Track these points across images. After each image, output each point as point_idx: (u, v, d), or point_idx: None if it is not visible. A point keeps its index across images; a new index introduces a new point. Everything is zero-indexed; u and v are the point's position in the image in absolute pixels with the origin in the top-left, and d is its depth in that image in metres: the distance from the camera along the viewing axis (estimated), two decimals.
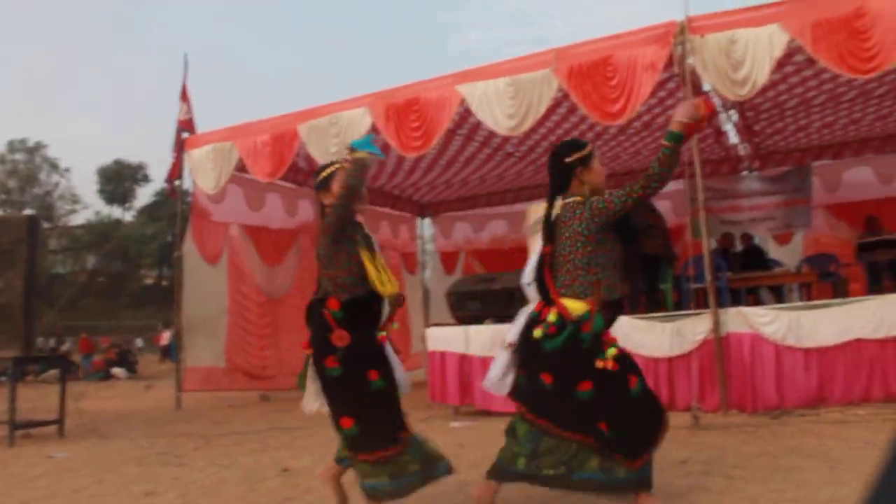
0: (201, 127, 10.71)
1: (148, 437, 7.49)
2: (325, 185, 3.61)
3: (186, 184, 10.82)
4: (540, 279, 3.43)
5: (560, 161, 3.49)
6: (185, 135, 10.57)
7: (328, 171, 3.63)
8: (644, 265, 10.43)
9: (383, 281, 3.49)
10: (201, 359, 10.76)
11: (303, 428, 7.56)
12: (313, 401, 3.56)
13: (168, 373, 19.01)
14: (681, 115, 3.14)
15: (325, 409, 3.55)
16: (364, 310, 3.49)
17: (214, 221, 11.07)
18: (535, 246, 8.96)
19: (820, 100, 9.22)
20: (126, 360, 21.21)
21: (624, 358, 3.30)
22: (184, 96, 10.93)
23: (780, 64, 7.08)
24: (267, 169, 9.36)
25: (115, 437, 7.61)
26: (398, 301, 3.63)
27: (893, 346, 6.35)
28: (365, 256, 3.48)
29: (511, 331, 3.47)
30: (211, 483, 5.00)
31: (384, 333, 3.53)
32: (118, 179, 51.48)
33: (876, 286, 9.71)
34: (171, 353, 26.90)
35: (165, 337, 27.30)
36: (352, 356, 3.39)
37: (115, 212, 53.04)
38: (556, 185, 3.52)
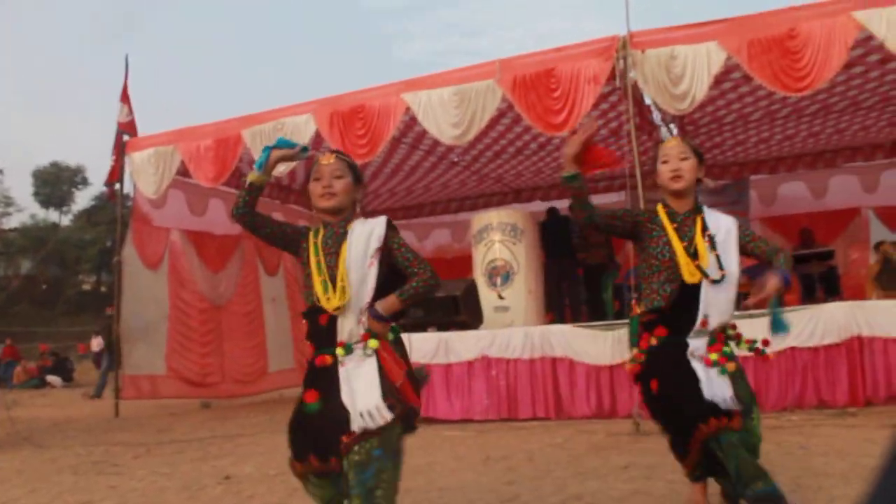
0: (142, 130, 10.56)
1: (84, 446, 7.33)
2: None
3: (127, 188, 10.64)
4: None
5: None
6: (126, 137, 10.39)
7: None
8: (587, 275, 10.62)
9: (329, 294, 2.93)
10: (141, 366, 10.57)
11: (245, 435, 7.49)
12: None
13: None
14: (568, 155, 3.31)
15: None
16: (314, 325, 3.00)
17: (155, 226, 10.90)
18: (479, 254, 9.02)
19: (756, 116, 9.50)
20: (62, 367, 20.65)
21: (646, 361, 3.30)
22: (125, 98, 10.74)
23: (719, 80, 7.28)
24: (210, 174, 9.27)
25: (50, 446, 7.43)
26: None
27: (825, 354, 6.58)
28: (314, 264, 3.01)
29: None
30: (150, 491, 4.93)
31: (335, 353, 2.90)
32: (55, 182, 50.24)
33: (809, 297, 10.01)
34: (100, 359, 26.19)
35: (95, 343, 26.39)
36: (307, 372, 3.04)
37: (52, 215, 51.76)
38: None
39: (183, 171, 9.78)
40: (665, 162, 3.32)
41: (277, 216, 12.16)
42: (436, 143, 9.51)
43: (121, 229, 10.78)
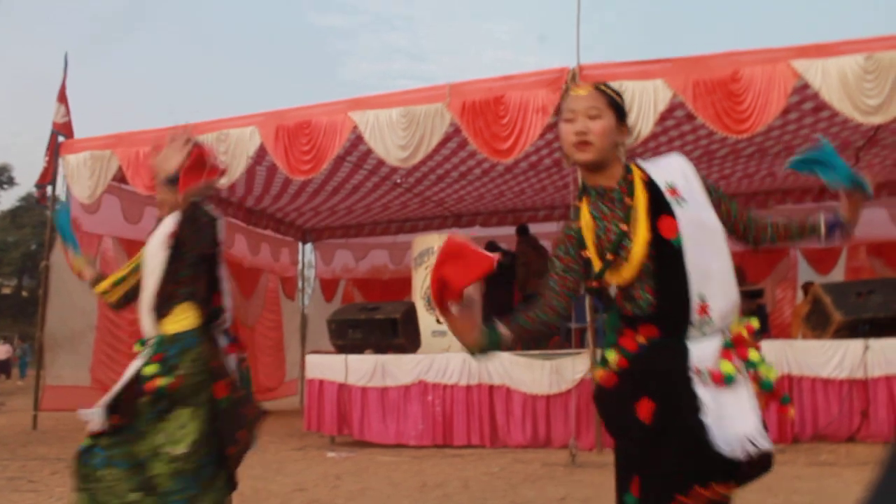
0: (79, 134, 10.24)
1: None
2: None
3: (59, 190, 10.28)
4: None
5: None
6: (62, 139, 10.07)
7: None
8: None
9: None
10: (63, 376, 10.17)
11: None
12: None
13: (23, 390, 17.91)
14: None
15: None
16: None
17: (87, 232, 10.53)
18: (419, 277, 8.99)
19: (696, 154, 9.71)
20: None
21: None
22: (62, 97, 10.41)
23: (662, 117, 7.42)
24: (149, 181, 9.02)
25: None
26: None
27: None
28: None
29: None
30: None
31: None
32: None
33: None
34: (8, 368, 25.10)
35: (3, 351, 25.33)
36: None
37: None
38: None
39: (119, 177, 9.51)
40: (569, 120, 2.30)
41: (153, 210, 12.08)
42: (380, 163, 9.47)
43: (50, 233, 10.41)
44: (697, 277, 2.17)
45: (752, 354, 2.17)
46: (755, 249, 2.44)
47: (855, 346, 6.76)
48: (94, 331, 10.48)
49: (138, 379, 2.81)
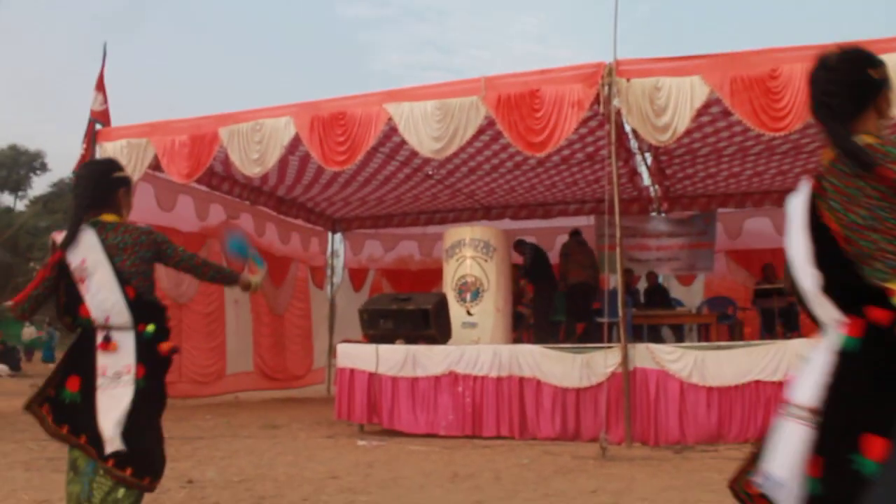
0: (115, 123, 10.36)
1: (37, 441, 7.12)
2: (128, 187, 3.26)
3: None
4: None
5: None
6: (99, 126, 10.20)
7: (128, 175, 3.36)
8: (570, 294, 10.70)
9: None
10: None
11: (204, 438, 7.38)
12: None
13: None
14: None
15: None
16: None
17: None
18: (450, 269, 9.02)
19: (730, 150, 9.67)
20: (10, 356, 20.12)
21: None
22: (100, 86, 10.51)
23: (698, 113, 7.39)
24: (184, 170, 9.14)
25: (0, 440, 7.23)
26: None
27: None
28: None
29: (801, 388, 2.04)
30: None
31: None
32: (12, 166, 49.06)
33: (769, 331, 10.21)
34: (31, 351, 25.14)
35: (27, 333, 25.15)
36: None
37: (6, 199, 50.53)
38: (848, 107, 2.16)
39: (153, 165, 9.63)
40: None
41: (246, 217, 12.24)
42: (412, 154, 9.52)
43: None
44: None
45: None
46: None
47: None
48: None
49: None
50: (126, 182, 3.25)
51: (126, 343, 3.02)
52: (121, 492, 2.94)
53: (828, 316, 2.05)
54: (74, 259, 3.03)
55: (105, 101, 10.45)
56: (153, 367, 3.08)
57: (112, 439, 2.87)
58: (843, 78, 2.19)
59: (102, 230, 3.09)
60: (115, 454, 2.89)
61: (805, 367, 2.09)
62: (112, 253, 3.06)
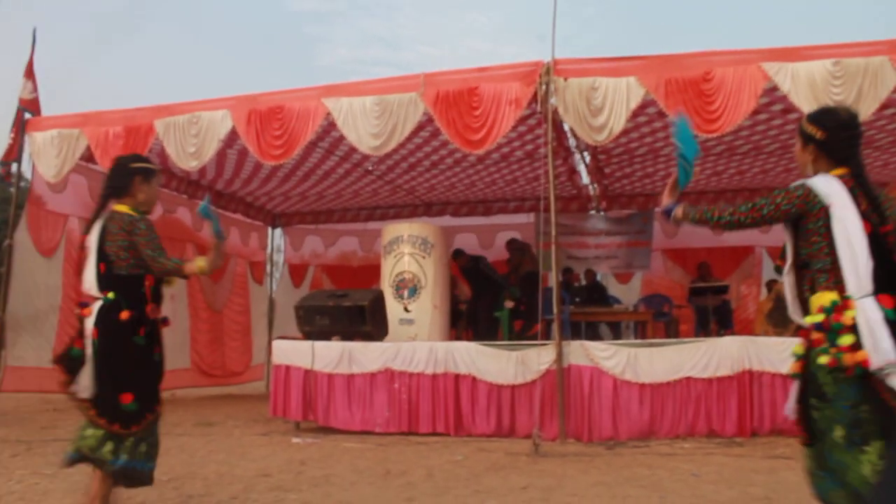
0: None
1: None
2: (146, 176, 3.79)
3: (25, 168, 10.10)
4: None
5: None
6: (28, 115, 9.90)
7: (152, 166, 3.86)
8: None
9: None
10: (24, 357, 10.03)
11: None
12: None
13: None
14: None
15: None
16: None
17: (53, 211, 10.40)
18: (388, 265, 9.03)
19: (666, 151, 9.82)
20: None
21: None
22: (29, 73, 10.19)
23: (634, 113, 7.48)
24: None
25: None
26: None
27: (718, 385, 6.85)
28: None
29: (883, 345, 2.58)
30: (32, 495, 4.69)
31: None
32: None
33: (703, 328, 10.43)
34: None
35: None
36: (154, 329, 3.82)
37: None
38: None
39: (86, 157, 9.38)
40: None
41: (183, 211, 12.03)
42: (351, 149, 9.45)
43: (14, 211, 10.24)
44: None
45: (796, 348, 2.92)
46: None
47: None
48: (58, 311, 10.33)
49: None
50: (141, 171, 3.74)
51: (94, 310, 3.66)
52: (88, 430, 3.62)
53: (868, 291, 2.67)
54: (87, 241, 3.74)
55: (35, 89, 10.13)
56: (108, 329, 3.62)
57: (81, 387, 3.60)
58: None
59: (110, 218, 3.72)
60: (86, 399, 3.60)
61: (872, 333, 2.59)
62: (104, 237, 3.68)
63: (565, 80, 7.33)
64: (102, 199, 3.77)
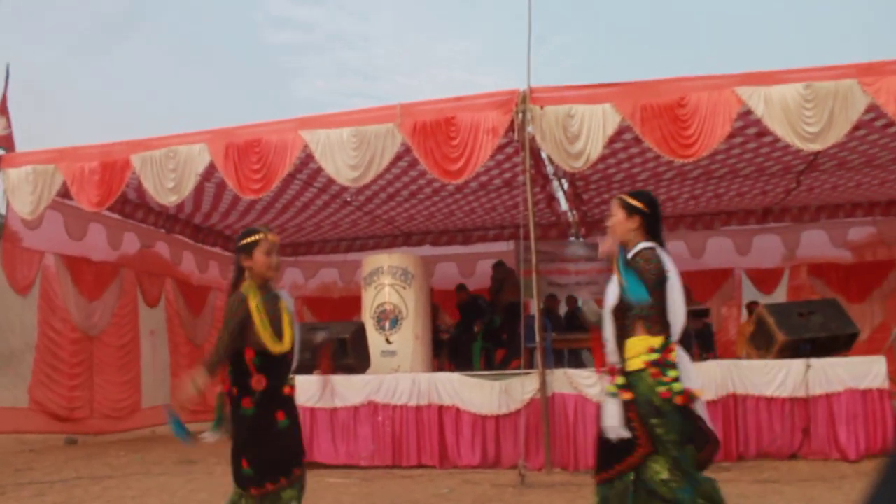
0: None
1: None
2: (247, 251, 3.75)
3: (0, 205, 9.98)
4: None
5: None
6: (1, 151, 9.80)
7: (253, 238, 3.78)
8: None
9: (274, 341, 3.69)
10: (0, 398, 9.87)
11: (114, 477, 7.11)
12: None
13: None
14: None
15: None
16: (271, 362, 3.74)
17: (28, 248, 10.28)
18: (368, 297, 8.98)
19: (643, 176, 9.89)
20: None
21: None
22: (3, 109, 10.13)
23: (611, 140, 7.53)
24: (94, 198, 8.84)
25: None
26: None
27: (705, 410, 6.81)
28: (259, 321, 3.67)
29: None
30: None
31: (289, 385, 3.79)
32: None
33: (686, 352, 10.39)
34: None
35: None
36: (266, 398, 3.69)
37: None
38: None
39: (62, 192, 9.30)
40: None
41: (162, 245, 11.95)
42: (330, 181, 9.44)
43: None
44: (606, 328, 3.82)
45: (619, 380, 3.62)
46: None
47: (797, 365, 6.92)
48: (34, 350, 10.18)
49: None
50: (243, 248, 3.75)
51: None
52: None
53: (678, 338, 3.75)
54: None
55: (9, 125, 10.04)
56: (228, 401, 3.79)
57: None
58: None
59: None
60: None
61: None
62: None
63: (541, 108, 7.37)
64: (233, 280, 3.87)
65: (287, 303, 3.84)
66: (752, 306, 10.71)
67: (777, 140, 7.55)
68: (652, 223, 3.76)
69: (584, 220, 12.39)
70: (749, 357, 8.24)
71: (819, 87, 6.80)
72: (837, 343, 7.47)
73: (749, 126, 7.87)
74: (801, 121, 6.76)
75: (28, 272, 10.31)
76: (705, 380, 6.86)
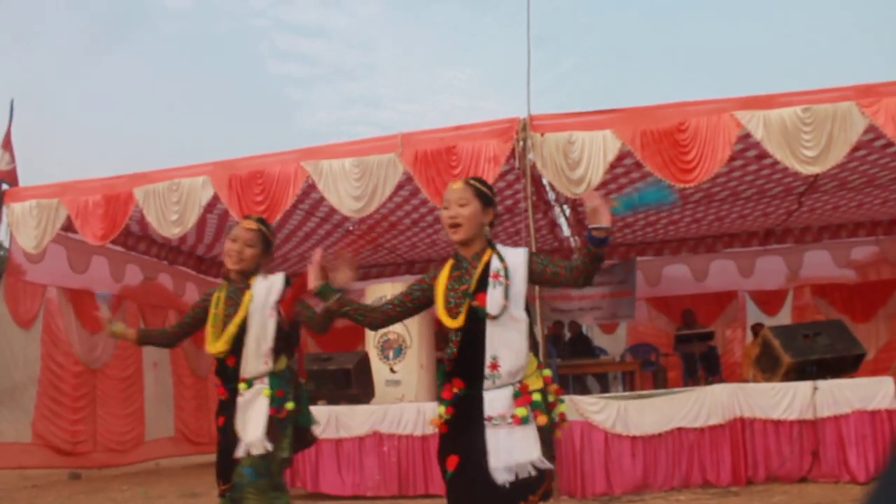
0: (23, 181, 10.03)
1: None
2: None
3: (4, 239, 10.01)
4: None
5: None
6: (5, 186, 9.86)
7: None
8: None
9: (211, 341, 3.71)
10: (3, 432, 9.82)
11: None
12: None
13: None
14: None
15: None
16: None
17: (31, 282, 10.29)
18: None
19: None
20: None
21: None
22: (6, 144, 10.19)
23: (612, 165, 7.56)
24: (99, 232, 8.86)
25: None
26: None
27: (710, 434, 6.80)
28: (210, 317, 3.73)
29: None
30: None
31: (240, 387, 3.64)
32: None
33: (691, 376, 10.39)
34: None
35: None
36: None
37: None
38: None
39: (66, 226, 9.33)
40: (445, 208, 3.12)
41: (164, 277, 11.96)
42: (332, 210, 9.45)
43: None
44: (493, 343, 2.92)
45: (535, 396, 2.90)
46: (579, 285, 3.02)
47: (804, 387, 6.89)
48: (37, 384, 10.16)
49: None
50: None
51: None
52: None
53: None
54: None
55: (13, 160, 10.10)
56: None
57: None
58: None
59: None
60: None
61: None
62: None
63: (542, 135, 7.40)
64: None
65: (260, 292, 3.64)
66: (756, 328, 10.68)
67: (777, 162, 7.57)
68: (495, 218, 3.21)
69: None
70: (755, 380, 8.22)
71: (817, 110, 6.83)
72: (844, 364, 7.44)
73: (749, 149, 7.90)
74: (800, 144, 6.79)
75: (31, 306, 10.32)
76: (712, 403, 6.84)
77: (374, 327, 3.33)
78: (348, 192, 7.81)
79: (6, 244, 10.16)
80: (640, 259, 12.54)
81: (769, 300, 12.48)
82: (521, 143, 7.46)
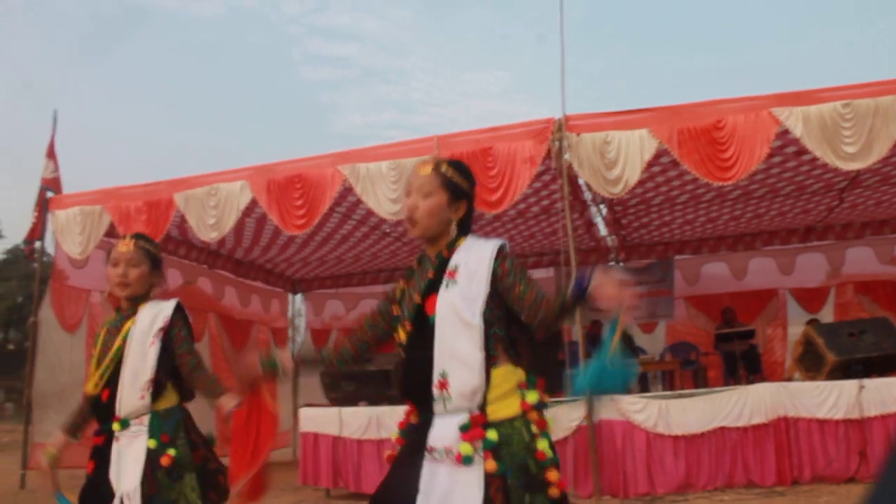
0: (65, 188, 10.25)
1: None
2: None
3: (49, 246, 10.26)
4: None
5: None
6: (50, 194, 10.08)
7: None
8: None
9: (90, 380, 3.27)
10: (52, 434, 9.99)
11: None
12: None
13: (7, 446, 17.58)
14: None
15: None
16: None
17: (75, 287, 10.50)
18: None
19: (682, 199, 9.83)
20: None
21: None
22: (51, 153, 10.42)
23: (649, 164, 7.52)
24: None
25: None
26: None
27: (753, 433, 6.73)
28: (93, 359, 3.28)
29: None
30: None
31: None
32: None
33: (732, 374, 10.30)
34: None
35: None
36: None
37: None
38: None
39: (108, 232, 9.51)
40: (407, 195, 2.54)
41: (204, 281, 12.11)
42: (369, 213, 9.51)
43: (38, 288, 10.37)
44: (441, 355, 2.32)
45: (490, 434, 2.24)
46: (533, 320, 2.34)
47: (850, 386, 6.79)
48: (82, 387, 10.34)
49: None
50: None
51: None
52: None
53: None
54: None
55: (56, 168, 10.34)
56: None
57: None
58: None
59: None
60: None
61: None
62: None
63: (578, 135, 7.38)
64: None
65: (143, 319, 3.16)
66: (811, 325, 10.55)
67: (817, 158, 7.48)
68: (471, 210, 2.56)
69: (624, 245, 12.34)
70: (799, 378, 8.13)
71: (858, 105, 6.73)
72: (891, 362, 7.33)
73: (788, 145, 7.81)
74: (840, 140, 6.70)
75: (76, 310, 10.53)
76: (755, 402, 6.78)
77: (360, 360, 2.91)
78: (386, 194, 7.86)
79: (51, 251, 10.38)
80: (678, 258, 12.44)
81: (811, 298, 12.29)
82: (557, 143, 7.45)
